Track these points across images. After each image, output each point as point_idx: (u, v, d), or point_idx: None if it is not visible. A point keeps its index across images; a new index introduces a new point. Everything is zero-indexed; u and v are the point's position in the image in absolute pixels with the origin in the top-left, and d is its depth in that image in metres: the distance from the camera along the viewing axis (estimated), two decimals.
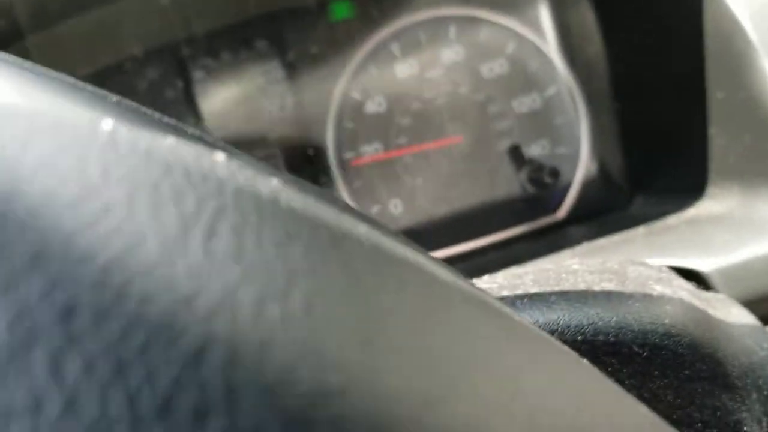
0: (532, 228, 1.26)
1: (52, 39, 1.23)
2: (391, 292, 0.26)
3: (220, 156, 0.28)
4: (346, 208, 0.33)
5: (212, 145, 0.33)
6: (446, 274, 0.31)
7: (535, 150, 1.29)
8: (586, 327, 0.53)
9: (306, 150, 1.27)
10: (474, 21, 1.29)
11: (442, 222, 1.28)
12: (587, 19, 1.24)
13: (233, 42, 1.27)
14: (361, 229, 0.29)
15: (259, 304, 0.22)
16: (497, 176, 1.28)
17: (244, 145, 1.26)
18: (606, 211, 1.25)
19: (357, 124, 1.28)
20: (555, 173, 1.14)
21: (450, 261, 1.26)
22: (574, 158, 1.29)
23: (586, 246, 0.97)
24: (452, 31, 1.29)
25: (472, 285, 0.36)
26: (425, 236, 1.27)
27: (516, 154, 1.27)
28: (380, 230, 0.32)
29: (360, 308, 0.24)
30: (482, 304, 0.31)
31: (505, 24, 1.29)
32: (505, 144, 1.29)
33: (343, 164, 1.27)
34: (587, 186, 1.27)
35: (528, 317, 0.54)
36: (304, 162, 1.27)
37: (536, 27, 1.29)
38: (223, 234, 0.24)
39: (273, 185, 0.28)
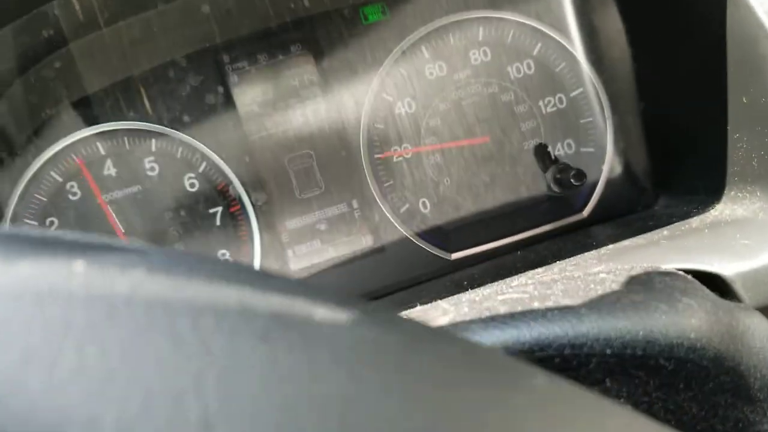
0: (557, 227, 1.29)
1: (94, 45, 1.28)
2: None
3: (78, 266, 0.28)
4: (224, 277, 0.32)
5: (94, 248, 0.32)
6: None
7: (560, 150, 1.32)
8: (614, 340, 0.56)
9: (338, 150, 1.31)
10: (502, 23, 1.31)
11: (468, 221, 1.32)
12: (613, 21, 1.26)
13: (269, 46, 1.30)
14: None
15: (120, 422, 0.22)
16: (523, 176, 1.32)
17: (279, 147, 1.31)
18: (630, 211, 1.28)
19: (387, 125, 1.32)
20: (581, 175, 1.17)
21: (476, 259, 1.29)
22: (599, 158, 1.32)
23: (611, 248, 1.00)
24: (481, 32, 1.31)
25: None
26: (452, 235, 1.31)
27: (542, 153, 1.30)
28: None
29: None
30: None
31: (533, 26, 1.31)
32: (531, 144, 1.32)
33: (374, 164, 1.31)
34: (611, 186, 1.30)
35: (559, 330, 0.58)
36: (337, 162, 1.31)
37: (563, 29, 1.32)
38: (67, 354, 0.24)
39: (132, 282, 0.28)
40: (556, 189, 1.25)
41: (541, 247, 1.20)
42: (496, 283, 1.03)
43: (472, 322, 0.61)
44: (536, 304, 0.64)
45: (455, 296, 0.77)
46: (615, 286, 0.66)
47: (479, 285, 1.05)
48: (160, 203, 1.30)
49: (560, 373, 0.58)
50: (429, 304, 0.68)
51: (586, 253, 1.02)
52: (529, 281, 0.96)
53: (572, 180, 1.16)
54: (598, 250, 1.01)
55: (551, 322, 0.59)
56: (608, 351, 0.57)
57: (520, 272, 1.06)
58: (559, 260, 1.05)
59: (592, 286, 0.67)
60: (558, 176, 1.23)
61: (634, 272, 0.72)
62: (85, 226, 1.29)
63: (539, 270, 1.01)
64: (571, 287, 0.68)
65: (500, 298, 0.67)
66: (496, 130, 1.32)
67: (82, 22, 1.23)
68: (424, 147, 1.31)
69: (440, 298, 1.06)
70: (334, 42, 1.30)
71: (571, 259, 1.02)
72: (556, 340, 0.57)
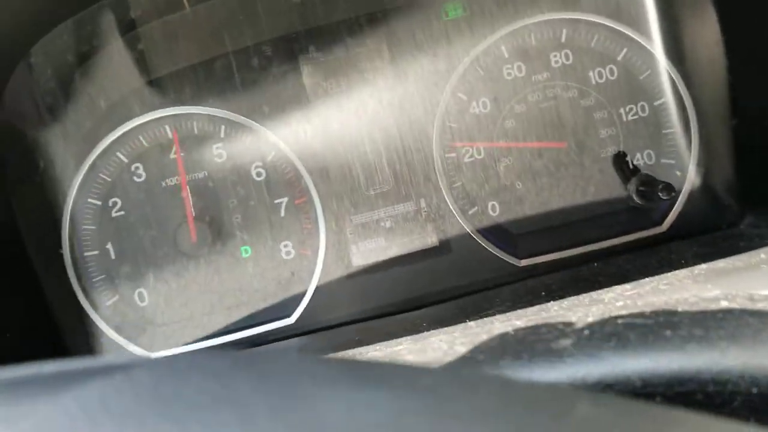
0: (634, 239, 1.24)
1: (176, 27, 1.25)
2: None
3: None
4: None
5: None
6: None
7: (639, 160, 1.27)
8: (762, 379, 0.53)
9: (409, 148, 1.28)
10: (587, 25, 1.27)
11: (539, 227, 1.28)
12: (709, 31, 1.20)
13: (345, 38, 1.27)
14: None
15: None
16: (600, 184, 1.27)
17: (350, 140, 1.28)
18: (712, 227, 1.23)
19: (460, 124, 1.28)
20: (669, 189, 1.12)
21: (546, 267, 1.25)
22: (680, 171, 1.27)
23: (705, 268, 0.96)
24: (564, 34, 1.27)
25: None
26: (522, 240, 1.27)
27: (621, 162, 1.26)
28: None
29: None
30: None
31: (619, 30, 1.26)
32: (609, 152, 1.27)
33: (444, 163, 1.28)
34: (693, 200, 1.25)
35: (701, 364, 0.54)
36: (406, 159, 1.28)
37: (650, 35, 1.26)
38: None
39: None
40: (638, 201, 1.21)
41: (621, 260, 1.15)
42: (579, 296, 0.99)
43: (600, 348, 0.57)
44: (668, 333, 0.60)
45: (557, 314, 0.73)
46: (749, 319, 0.61)
47: (559, 297, 1.01)
48: (225, 190, 1.28)
49: (702, 409, 0.54)
50: (542, 323, 0.65)
51: (677, 272, 0.97)
52: (623, 298, 0.92)
53: (660, 193, 1.11)
54: (691, 269, 0.97)
55: (691, 355, 0.56)
56: (754, 390, 0.53)
57: (603, 286, 1.01)
58: (644, 276, 1.01)
59: (720, 315, 0.63)
60: (642, 188, 1.18)
61: (759, 302, 0.68)
62: (148, 209, 1.27)
63: (627, 286, 0.97)
64: (698, 315, 0.64)
65: (621, 322, 0.63)
66: (573, 136, 1.27)
67: (167, 3, 1.20)
68: (499, 143, 1.27)
69: (516, 308, 1.03)
70: (412, 37, 1.26)
71: (660, 276, 0.98)
72: (698, 375, 0.54)
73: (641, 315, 0.65)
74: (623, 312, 0.67)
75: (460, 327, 0.99)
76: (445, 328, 1.01)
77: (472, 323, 0.99)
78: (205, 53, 1.25)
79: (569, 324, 0.64)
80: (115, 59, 1.26)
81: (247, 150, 1.28)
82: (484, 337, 0.66)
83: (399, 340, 1.00)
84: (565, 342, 0.59)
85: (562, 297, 1.01)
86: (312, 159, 1.28)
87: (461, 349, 0.63)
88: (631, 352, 0.56)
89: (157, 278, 1.28)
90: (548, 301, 1.02)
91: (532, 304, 1.03)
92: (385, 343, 1.00)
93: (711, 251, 1.05)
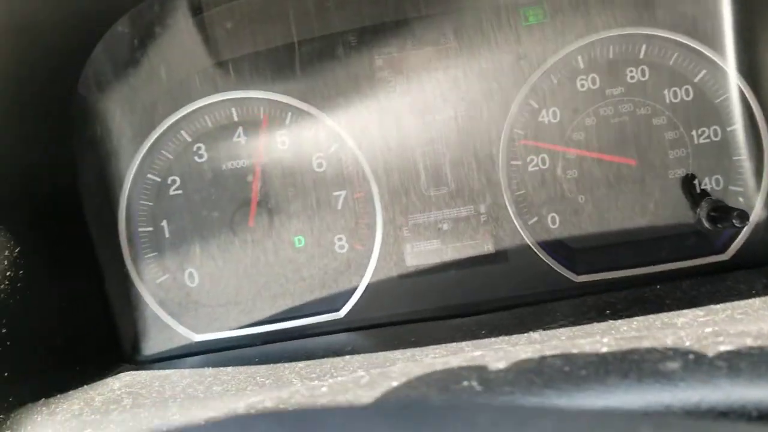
0: (696, 265, 1.22)
1: (236, 13, 1.24)
2: None
3: None
4: None
5: None
6: None
7: (707, 184, 1.25)
8: None
9: (475, 151, 1.26)
10: (666, 43, 1.24)
11: (600, 243, 1.25)
12: None
13: (419, 34, 1.26)
14: None
15: None
16: (664, 205, 1.25)
17: (415, 138, 1.26)
18: None
19: (528, 132, 1.26)
20: (744, 216, 1.09)
21: (605, 285, 1.23)
22: (748, 199, 1.24)
23: None
24: (643, 50, 1.24)
25: None
26: (580, 255, 1.25)
27: (690, 185, 1.23)
28: None
29: None
30: None
31: (698, 50, 1.24)
32: (677, 173, 1.25)
33: (509, 170, 1.26)
34: (759, 230, 1.22)
35: None
36: (470, 163, 1.26)
37: (729, 59, 1.24)
38: None
39: None
40: (708, 225, 1.18)
41: (685, 284, 1.13)
42: (647, 317, 0.97)
43: (712, 375, 0.56)
44: None
45: (638, 335, 0.71)
46: None
47: (626, 316, 1.00)
48: (284, 179, 1.27)
49: None
50: (640, 343, 0.63)
51: (750, 301, 0.95)
52: (699, 324, 0.90)
53: (734, 221, 1.09)
54: (764, 299, 0.95)
55: None
56: None
57: (671, 309, 1.00)
58: (713, 303, 0.99)
59: None
60: (713, 213, 1.16)
61: None
62: (207, 190, 1.26)
63: (699, 312, 0.95)
64: None
65: (725, 349, 0.61)
66: (642, 154, 1.25)
67: None
68: (563, 158, 1.25)
69: (580, 323, 1.01)
70: (488, 38, 1.25)
71: (733, 305, 0.96)
72: None
73: (744, 343, 0.63)
74: (720, 339, 0.65)
75: (523, 337, 0.98)
76: (507, 337, 0.99)
77: (535, 335, 0.98)
78: (277, 40, 1.25)
79: (671, 347, 0.63)
80: (187, 39, 1.25)
81: (310, 139, 1.27)
82: (575, 351, 0.65)
83: (460, 344, 0.99)
84: (673, 365, 0.58)
85: (629, 317, 0.99)
86: (375, 154, 1.26)
87: (556, 362, 0.62)
88: (745, 381, 0.54)
89: (208, 260, 1.27)
90: (614, 319, 1.00)
91: (596, 321, 1.01)
92: (444, 346, 0.98)
93: None
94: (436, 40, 1.26)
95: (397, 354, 0.99)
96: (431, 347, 0.99)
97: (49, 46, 1.07)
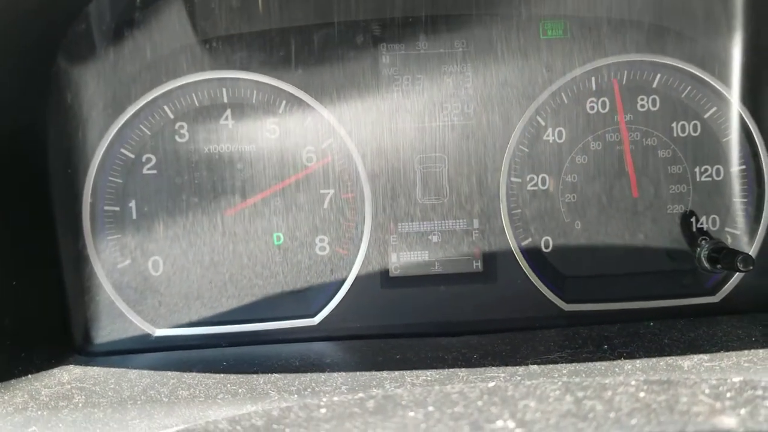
0: (685, 305, 1.19)
1: None
2: None
3: None
4: None
5: None
6: None
7: (703, 223, 1.22)
8: None
9: (475, 163, 1.20)
10: (681, 75, 1.21)
11: (592, 272, 1.21)
12: None
13: (431, 34, 1.19)
14: None
15: None
16: (659, 240, 1.21)
17: (414, 142, 1.19)
18: (764, 306, 1.18)
19: (532, 150, 1.21)
20: (749, 261, 1.06)
21: (593, 317, 1.19)
22: (743, 243, 1.22)
23: None
24: (657, 79, 1.21)
25: None
26: (571, 283, 1.21)
27: (688, 222, 1.21)
28: None
29: None
30: None
31: (713, 86, 1.21)
32: (675, 209, 1.22)
33: (508, 187, 1.20)
34: (750, 276, 1.20)
35: None
36: (469, 174, 1.20)
37: (742, 98, 1.21)
38: None
39: None
40: (707, 266, 1.15)
41: (680, 324, 1.10)
42: (652, 359, 0.93)
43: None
44: None
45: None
46: None
47: (627, 356, 0.95)
48: (269, 169, 1.18)
49: None
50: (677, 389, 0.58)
51: (756, 351, 0.92)
52: (706, 370, 0.86)
53: (739, 264, 1.05)
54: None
55: None
56: None
57: (673, 351, 0.96)
58: (714, 348, 0.96)
59: None
60: (714, 254, 1.13)
61: None
62: (184, 173, 1.16)
63: (704, 357, 0.91)
64: None
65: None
66: (644, 185, 1.21)
67: None
68: (562, 182, 1.20)
69: (578, 357, 0.96)
70: (503, 48, 1.19)
71: (737, 353, 0.92)
72: None
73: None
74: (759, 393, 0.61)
75: (521, 369, 0.92)
76: (504, 367, 0.93)
77: (535, 367, 0.92)
78: (278, 21, 1.16)
79: (716, 395, 0.57)
80: (178, 12, 1.15)
81: (302, 131, 1.19)
82: (610, 393, 0.59)
83: (453, 369, 0.92)
84: (729, 421, 0.52)
85: (629, 355, 0.94)
86: (371, 153, 1.19)
87: (589, 403, 0.56)
88: None
89: (176, 248, 1.17)
90: (614, 356, 0.95)
91: (595, 355, 0.96)
92: (437, 371, 0.91)
93: None
94: (449, 43, 1.19)
95: (384, 374, 0.92)
96: (421, 370, 0.92)
97: (31, 11, 0.96)
